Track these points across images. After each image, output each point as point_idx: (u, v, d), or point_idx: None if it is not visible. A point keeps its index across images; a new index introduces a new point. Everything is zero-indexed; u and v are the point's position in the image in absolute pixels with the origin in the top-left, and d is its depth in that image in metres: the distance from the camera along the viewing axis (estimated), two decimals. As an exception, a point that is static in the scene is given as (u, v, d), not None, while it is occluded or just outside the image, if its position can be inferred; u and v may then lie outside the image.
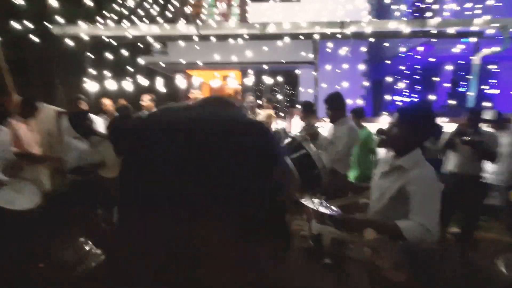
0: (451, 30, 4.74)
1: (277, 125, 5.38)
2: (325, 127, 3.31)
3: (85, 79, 4.85)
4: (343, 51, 5.37)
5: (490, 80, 6.66)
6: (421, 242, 1.30)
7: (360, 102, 5.13)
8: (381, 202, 1.51)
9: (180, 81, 5.55)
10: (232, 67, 7.65)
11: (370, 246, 1.48)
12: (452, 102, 6.07)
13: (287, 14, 6.95)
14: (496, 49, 4.59)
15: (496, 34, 4.67)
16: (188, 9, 6.66)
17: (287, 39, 4.90)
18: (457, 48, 5.33)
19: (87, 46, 4.81)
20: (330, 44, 5.34)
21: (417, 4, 7.87)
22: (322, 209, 1.57)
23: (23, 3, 4.16)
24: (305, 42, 5.78)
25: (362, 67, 7.39)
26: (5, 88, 3.96)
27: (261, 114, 5.08)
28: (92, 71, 4.90)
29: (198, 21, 6.27)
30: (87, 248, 1.59)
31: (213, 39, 4.94)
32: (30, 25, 4.27)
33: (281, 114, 6.30)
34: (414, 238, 1.29)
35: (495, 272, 1.08)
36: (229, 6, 7.43)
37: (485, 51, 4.74)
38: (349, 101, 3.07)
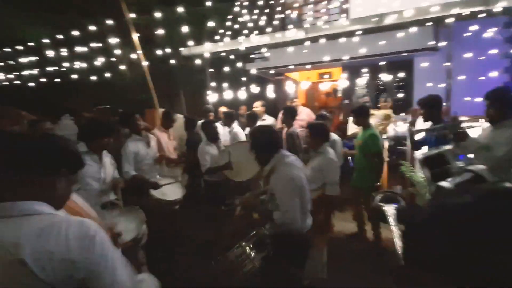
0: None
1: (396, 127, 4.75)
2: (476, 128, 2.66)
3: (208, 91, 5.52)
4: (488, 33, 4.26)
5: None
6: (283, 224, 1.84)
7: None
8: None
9: (288, 86, 5.65)
10: (337, 65, 7.21)
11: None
12: None
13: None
14: None
15: None
16: (292, 13, 6.68)
17: (412, 28, 4.25)
18: None
19: (208, 61, 5.46)
20: (469, 28, 4.35)
21: None
22: None
23: (163, 32, 5.04)
24: (427, 28, 4.86)
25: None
26: (153, 102, 4.96)
27: (377, 115, 4.61)
28: (212, 83, 5.52)
29: (304, 23, 6.22)
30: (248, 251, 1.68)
31: (322, 40, 4.77)
32: (168, 50, 5.22)
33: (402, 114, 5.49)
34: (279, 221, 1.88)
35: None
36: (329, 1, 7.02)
37: None
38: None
